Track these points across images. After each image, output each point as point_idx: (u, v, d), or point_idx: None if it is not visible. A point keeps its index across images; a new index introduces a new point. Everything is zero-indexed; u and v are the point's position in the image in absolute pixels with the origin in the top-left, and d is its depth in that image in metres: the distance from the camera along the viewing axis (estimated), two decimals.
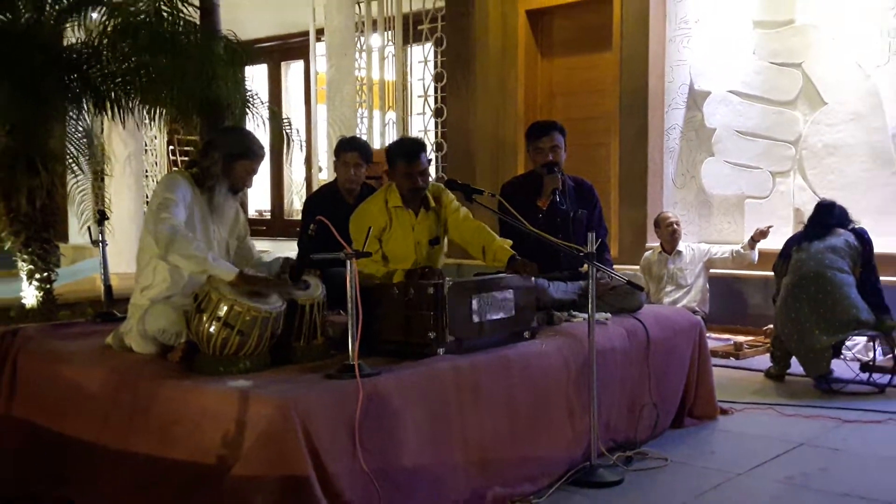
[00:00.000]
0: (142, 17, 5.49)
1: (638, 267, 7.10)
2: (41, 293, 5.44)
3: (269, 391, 2.83)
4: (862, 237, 5.41)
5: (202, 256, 3.21)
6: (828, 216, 5.52)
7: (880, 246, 5.60)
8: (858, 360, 5.69)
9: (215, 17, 5.99)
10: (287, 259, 3.54)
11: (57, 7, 5.40)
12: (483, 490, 3.25)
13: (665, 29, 7.93)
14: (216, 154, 3.48)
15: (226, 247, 3.61)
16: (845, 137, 6.95)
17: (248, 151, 3.52)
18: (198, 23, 5.89)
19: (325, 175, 10.09)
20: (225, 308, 3.08)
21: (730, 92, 7.52)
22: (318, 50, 10.57)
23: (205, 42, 5.75)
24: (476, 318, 3.49)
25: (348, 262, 3.04)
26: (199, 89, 5.51)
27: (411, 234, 4.07)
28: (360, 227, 3.96)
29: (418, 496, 3.02)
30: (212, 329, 3.08)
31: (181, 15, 5.67)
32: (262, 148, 3.60)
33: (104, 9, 5.56)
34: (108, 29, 5.49)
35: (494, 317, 3.57)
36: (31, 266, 5.40)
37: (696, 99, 7.73)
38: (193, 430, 2.84)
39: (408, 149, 4.09)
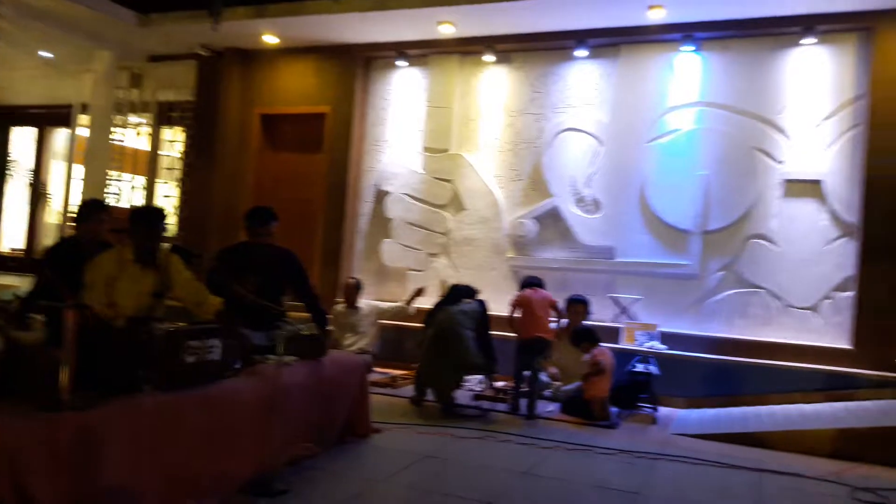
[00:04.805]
0: None
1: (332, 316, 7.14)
2: None
3: None
4: (482, 305, 5.92)
5: None
6: (456, 291, 6.04)
7: (494, 310, 6.10)
8: (473, 391, 6.13)
9: None
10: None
11: None
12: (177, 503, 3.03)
13: (363, 144, 8.19)
14: None
15: None
16: (476, 233, 7.58)
17: None
18: None
19: None
20: None
21: (403, 194, 7.90)
22: (83, 120, 9.56)
23: None
24: (188, 360, 3.28)
25: (68, 311, 2.74)
26: None
27: (136, 285, 3.73)
28: (93, 274, 3.65)
29: None
30: None
31: None
32: None
33: None
34: None
35: (203, 359, 3.38)
36: None
37: (380, 196, 8.03)
38: None
39: (148, 216, 3.80)
